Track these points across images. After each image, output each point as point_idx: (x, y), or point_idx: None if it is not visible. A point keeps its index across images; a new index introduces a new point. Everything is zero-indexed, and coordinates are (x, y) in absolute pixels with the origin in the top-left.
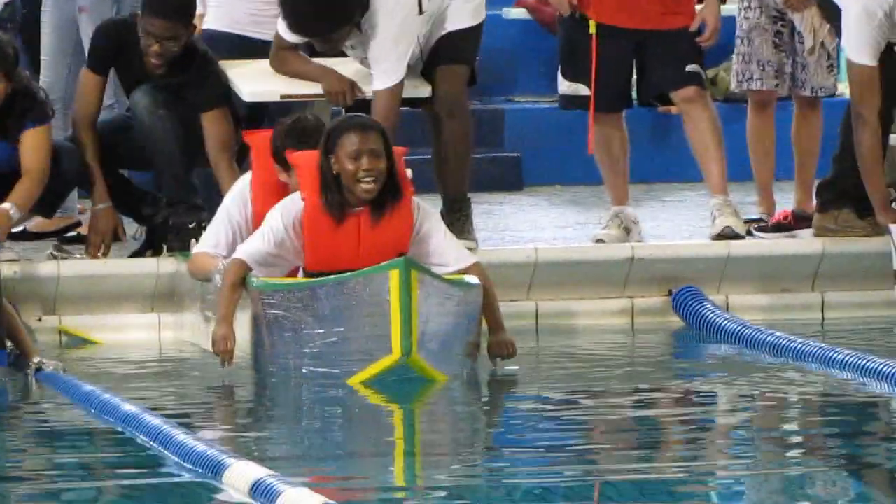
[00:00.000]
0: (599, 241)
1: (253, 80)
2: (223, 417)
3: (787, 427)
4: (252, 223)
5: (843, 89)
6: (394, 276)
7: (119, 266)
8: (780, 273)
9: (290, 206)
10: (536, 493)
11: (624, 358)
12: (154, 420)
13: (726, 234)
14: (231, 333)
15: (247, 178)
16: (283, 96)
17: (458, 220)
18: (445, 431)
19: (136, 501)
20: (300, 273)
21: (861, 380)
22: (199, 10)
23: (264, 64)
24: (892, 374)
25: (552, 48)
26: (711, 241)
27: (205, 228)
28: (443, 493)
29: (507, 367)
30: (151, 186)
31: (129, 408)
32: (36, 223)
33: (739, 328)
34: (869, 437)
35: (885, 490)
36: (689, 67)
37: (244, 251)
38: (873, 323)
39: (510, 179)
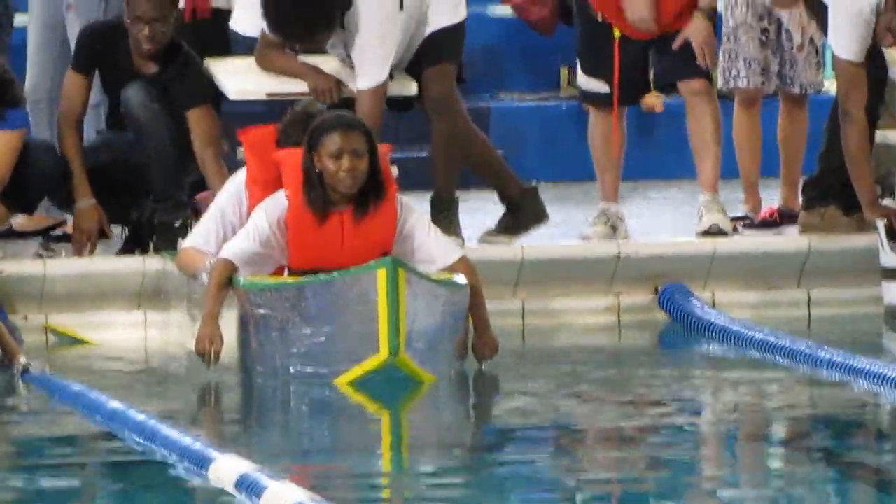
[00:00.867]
0: (586, 238)
1: (238, 78)
2: (209, 416)
3: (773, 426)
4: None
5: (830, 86)
6: (381, 276)
7: (105, 264)
8: (767, 270)
9: (275, 205)
10: (522, 490)
11: (610, 355)
12: (140, 415)
13: (713, 231)
14: (217, 333)
15: (241, 175)
16: (269, 94)
17: (442, 220)
18: (432, 430)
19: (124, 498)
20: (285, 272)
21: (848, 378)
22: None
23: (249, 61)
24: (878, 374)
25: (537, 46)
26: (698, 238)
27: (191, 228)
28: (428, 490)
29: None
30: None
31: (115, 405)
32: (21, 222)
33: (726, 325)
34: (856, 435)
35: (872, 488)
36: (700, 61)
37: (230, 251)
38: (860, 320)
39: None
